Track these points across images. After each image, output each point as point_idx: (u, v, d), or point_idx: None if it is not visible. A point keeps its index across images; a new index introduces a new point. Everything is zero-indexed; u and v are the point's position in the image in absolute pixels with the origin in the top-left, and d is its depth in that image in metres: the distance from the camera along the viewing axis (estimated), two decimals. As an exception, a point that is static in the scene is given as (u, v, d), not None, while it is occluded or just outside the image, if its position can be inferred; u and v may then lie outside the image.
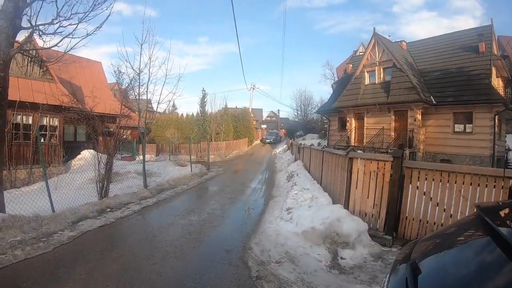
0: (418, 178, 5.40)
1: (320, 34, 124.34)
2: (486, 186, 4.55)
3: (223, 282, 4.20)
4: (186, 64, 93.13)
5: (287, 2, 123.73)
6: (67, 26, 6.73)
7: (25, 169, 14.48)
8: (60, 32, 6.72)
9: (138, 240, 5.87)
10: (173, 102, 57.76)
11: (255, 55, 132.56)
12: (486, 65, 18.33)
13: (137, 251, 5.25)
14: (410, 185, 5.52)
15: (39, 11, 6.41)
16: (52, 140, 16.76)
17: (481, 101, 17.06)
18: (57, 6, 6.52)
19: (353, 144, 20.92)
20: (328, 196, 7.96)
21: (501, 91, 19.14)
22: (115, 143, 9.90)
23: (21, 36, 6.76)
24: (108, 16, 7.34)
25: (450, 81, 19.16)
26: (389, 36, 24.46)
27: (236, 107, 52.15)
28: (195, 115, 37.12)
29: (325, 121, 37.15)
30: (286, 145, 35.23)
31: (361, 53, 27.78)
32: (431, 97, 19.01)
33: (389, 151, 16.30)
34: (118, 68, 12.09)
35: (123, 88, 14.04)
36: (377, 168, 5.88)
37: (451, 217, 4.93)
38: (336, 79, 36.10)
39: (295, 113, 66.62)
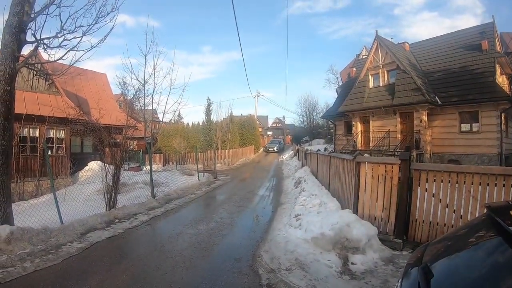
0: (427, 180, 5.35)
1: (323, 40, 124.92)
2: (496, 185, 4.49)
3: (233, 290, 4.17)
4: (191, 73, 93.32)
5: (289, 10, 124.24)
6: (71, 39, 6.83)
7: (33, 182, 14.60)
8: (65, 45, 6.82)
9: (147, 250, 5.86)
10: (179, 112, 58.05)
11: (259, 63, 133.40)
12: (490, 62, 18.20)
13: (146, 261, 5.24)
14: (419, 187, 5.46)
15: (43, 25, 6.53)
16: (59, 152, 16.91)
17: (486, 99, 16.91)
18: (61, 20, 6.63)
19: (359, 148, 20.82)
20: (336, 201, 7.91)
21: (506, 88, 18.94)
22: (122, 154, 9.94)
23: (26, 50, 6.85)
24: (112, 28, 7.45)
25: (454, 80, 19.03)
26: (391, 38, 24.45)
27: (241, 114, 52.39)
28: (200, 124, 37.29)
29: (330, 126, 37.04)
30: (292, 152, 35.18)
31: (364, 57, 27.76)
32: (436, 97, 18.88)
33: (396, 153, 16.20)
34: (123, 80, 12.29)
35: (128, 99, 14.16)
36: (385, 171, 5.83)
37: (461, 218, 4.87)
38: (340, 84, 36.13)
39: (301, 119, 66.53)
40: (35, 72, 15.54)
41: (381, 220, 5.90)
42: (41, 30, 6.51)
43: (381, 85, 21.45)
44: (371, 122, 21.71)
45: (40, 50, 6.96)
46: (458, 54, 20.14)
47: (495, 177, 4.49)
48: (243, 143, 37.79)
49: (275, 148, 41.80)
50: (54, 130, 16.62)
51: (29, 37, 6.48)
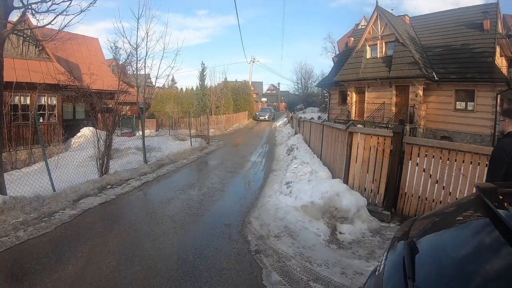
0: (418, 155, 5.38)
1: (322, 7, 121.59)
2: (486, 166, 4.51)
3: (222, 256, 4.26)
4: (184, 38, 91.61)
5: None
6: (60, 3, 6.53)
7: (25, 150, 14.46)
8: (54, 10, 6.51)
9: (138, 216, 5.92)
10: (172, 76, 57.24)
11: (255, 28, 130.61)
12: (491, 43, 17.98)
13: (137, 227, 5.30)
14: (410, 162, 5.50)
15: (30, -11, 6.22)
16: (51, 119, 16.67)
17: (484, 80, 16.85)
18: (48, -17, 6.32)
19: (353, 118, 20.85)
20: (327, 170, 7.97)
21: (504, 70, 18.81)
22: (114, 119, 9.84)
23: (14, 16, 6.58)
24: (102, -11, 7.13)
25: (453, 57, 18.85)
26: (392, 10, 23.99)
27: (236, 80, 51.75)
28: (194, 89, 36.77)
29: (325, 94, 36.89)
30: (286, 119, 35.14)
31: (363, 27, 27.23)
32: (433, 73, 18.76)
33: (390, 126, 16.25)
34: (114, 44, 11.89)
35: (120, 63, 13.85)
36: (377, 143, 5.84)
37: (450, 195, 4.94)
38: (337, 53, 35.52)
39: (296, 87, 66.14)
40: (24, 39, 15.05)
41: (371, 192, 5.97)
42: (29, -6, 6.23)
43: (378, 56, 21.21)
44: (366, 93, 21.64)
45: (29, 15, 6.69)
46: (459, 32, 19.81)
47: (486, 157, 4.51)
48: (237, 109, 37.61)
49: (266, 117, 39.41)
50: (45, 97, 16.28)
51: (16, 3, 6.19)
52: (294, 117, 24.68)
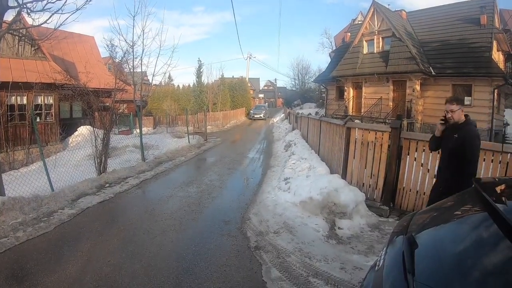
0: (416, 150, 5.40)
1: (318, 2, 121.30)
2: (484, 161, 4.54)
3: (222, 253, 4.27)
4: (181, 34, 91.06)
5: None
6: (55, 1, 6.47)
7: (23, 150, 14.42)
8: (49, 9, 6.44)
9: (137, 214, 5.92)
10: (169, 74, 56.87)
11: (251, 24, 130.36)
12: (487, 38, 18.06)
13: (137, 225, 5.30)
14: (408, 156, 5.53)
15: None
16: (48, 118, 16.63)
17: (481, 74, 16.92)
18: (43, -19, 6.27)
19: (351, 114, 20.88)
20: (325, 165, 7.99)
21: (501, 65, 18.92)
22: (111, 117, 9.82)
23: (9, 16, 6.53)
24: (97, -13, 7.08)
25: (450, 52, 18.91)
26: (388, 5, 23.94)
27: (233, 76, 51.72)
28: (191, 86, 36.70)
29: (322, 90, 36.89)
30: (283, 115, 35.12)
31: (359, 22, 27.21)
32: (430, 68, 18.81)
33: (387, 121, 16.28)
34: (111, 42, 11.84)
35: (117, 61, 13.79)
36: (375, 138, 5.86)
37: (448, 189, 4.96)
38: (334, 48, 35.53)
39: (293, 82, 66.18)
40: (20, 38, 14.96)
41: (369, 187, 6.01)
42: (24, -7, 6.18)
43: (375, 51, 21.24)
44: (363, 88, 21.68)
45: (24, 14, 6.64)
46: (456, 27, 19.88)
47: (484, 152, 4.53)
48: (234, 105, 37.57)
49: (261, 115, 36.81)
50: (42, 97, 16.23)
51: (11, 2, 6.15)
52: (291, 113, 24.68)
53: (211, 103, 32.95)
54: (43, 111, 16.30)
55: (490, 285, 1.30)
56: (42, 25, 6.84)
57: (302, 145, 12.09)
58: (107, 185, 7.97)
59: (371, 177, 5.97)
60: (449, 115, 3.65)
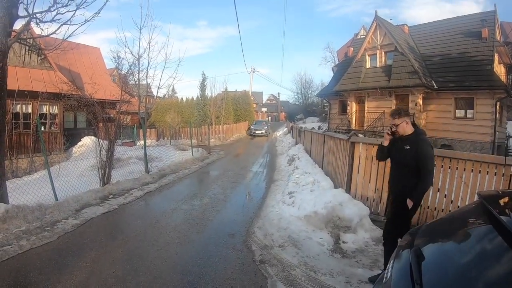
0: (420, 163, 5.41)
1: (322, 17, 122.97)
2: (487, 173, 4.56)
3: (227, 266, 4.26)
4: (186, 48, 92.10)
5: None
6: (64, 13, 6.60)
7: (26, 158, 14.51)
8: (58, 20, 6.59)
9: (141, 226, 5.92)
10: (173, 87, 57.41)
11: (255, 38, 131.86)
12: (489, 51, 18.18)
13: (141, 237, 5.31)
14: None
15: (36, -1, 6.31)
16: (52, 128, 16.78)
17: (483, 87, 17.00)
18: (54, -7, 6.41)
19: (353, 128, 20.91)
20: (329, 180, 7.99)
21: (503, 77, 19.02)
22: (116, 129, 9.89)
23: (18, 25, 6.65)
24: (106, 1, 7.22)
25: (452, 66, 19.03)
26: (390, 19, 24.26)
27: (236, 90, 52.01)
28: (195, 99, 36.93)
29: (325, 104, 37.00)
30: (286, 129, 35.18)
31: (362, 36, 27.48)
32: (433, 81, 18.91)
33: (390, 135, 16.29)
34: (117, 54, 11.95)
35: (122, 73, 13.94)
36: (379, 152, 5.88)
37: (451, 203, 4.98)
38: (337, 62, 35.80)
39: (296, 96, 66.61)
40: (27, 47, 15.18)
41: (373, 201, 6.01)
42: (34, 4, 6.25)
43: (378, 66, 21.36)
44: (366, 102, 21.74)
45: (33, 24, 6.76)
46: (458, 40, 20.05)
47: (487, 165, 4.55)
48: (237, 119, 37.73)
49: (263, 131, 33.77)
50: (47, 106, 16.43)
51: (21, 12, 6.26)
52: (294, 127, 24.75)
53: (214, 117, 33.11)
54: (47, 120, 16.46)
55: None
56: (50, 36, 6.96)
57: (305, 159, 12.10)
58: (111, 196, 7.99)
59: (375, 191, 5.98)
60: (393, 129, 3.68)
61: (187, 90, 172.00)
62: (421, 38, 22.63)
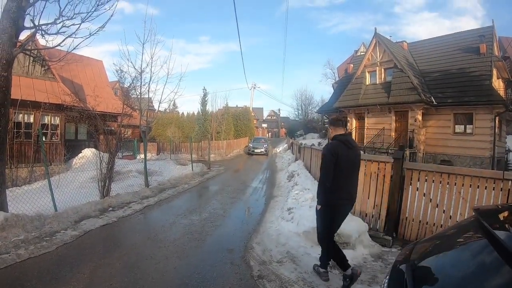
0: (418, 179, 5.45)
1: (322, 34, 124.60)
2: (486, 188, 4.59)
3: (225, 281, 4.24)
4: (188, 63, 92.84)
5: (289, 2, 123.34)
6: (70, 26, 6.75)
7: (26, 168, 14.52)
8: (63, 32, 6.73)
9: (140, 239, 5.91)
10: (174, 101, 57.73)
11: (256, 55, 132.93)
12: (487, 66, 18.41)
13: (139, 250, 5.29)
14: (410, 186, 5.57)
15: (42, 11, 6.41)
16: (53, 138, 16.84)
17: (482, 102, 17.15)
18: (59, 6, 6.54)
19: (353, 144, 20.93)
20: (329, 196, 7.98)
21: (501, 92, 19.22)
22: (117, 142, 9.93)
23: (23, 36, 6.78)
24: (111, 16, 7.36)
25: (451, 82, 19.24)
26: (390, 36, 24.61)
27: (237, 106, 52.41)
28: (196, 114, 37.13)
29: (325, 120, 37.15)
30: (286, 145, 35.23)
31: (362, 53, 27.86)
32: (432, 97, 19.09)
33: (390, 151, 16.35)
34: (120, 68, 12.07)
35: (124, 87, 14.06)
36: (378, 169, 5.93)
37: (450, 218, 4.98)
38: (337, 79, 36.15)
39: (296, 113, 66.67)
40: (31, 58, 15.37)
41: (372, 217, 6.01)
42: (40, 16, 6.41)
43: (377, 82, 21.60)
44: (366, 119, 21.90)
45: (38, 36, 6.90)
46: (456, 56, 20.33)
47: (485, 180, 4.59)
48: (237, 134, 37.85)
49: (262, 149, 30.68)
50: (49, 116, 16.53)
51: (27, 23, 6.40)
52: (294, 143, 24.81)
53: (214, 132, 33.21)
54: (49, 130, 16.53)
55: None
56: (55, 48, 7.09)
57: (305, 175, 12.10)
58: (110, 208, 7.99)
59: (374, 208, 5.99)
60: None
61: (188, 105, 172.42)
62: (420, 54, 22.94)
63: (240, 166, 21.71)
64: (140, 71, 11.41)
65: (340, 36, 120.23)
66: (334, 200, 4.01)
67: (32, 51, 10.44)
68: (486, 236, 1.66)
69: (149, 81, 11.97)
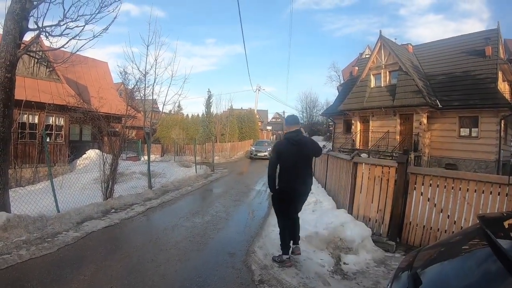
0: (423, 184, 5.40)
1: (327, 37, 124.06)
2: (491, 193, 4.53)
3: (226, 285, 4.21)
4: (192, 66, 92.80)
5: (294, 5, 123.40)
6: (73, 27, 6.78)
7: (30, 168, 14.61)
8: (67, 34, 6.77)
9: (142, 242, 5.89)
10: (179, 103, 57.96)
11: (261, 57, 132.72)
12: (493, 69, 18.29)
13: (141, 253, 5.27)
14: (415, 191, 5.51)
15: (46, 13, 6.46)
16: (57, 139, 16.93)
17: (487, 106, 17.02)
18: (63, 8, 6.57)
19: (358, 147, 20.91)
20: (332, 200, 7.96)
21: (507, 95, 19.09)
22: (121, 143, 9.94)
23: (27, 37, 6.81)
24: (115, 18, 7.37)
25: (456, 85, 19.13)
26: (395, 39, 24.54)
27: (241, 108, 52.33)
28: (200, 115, 37.12)
29: (330, 123, 37.13)
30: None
31: (367, 56, 27.78)
32: (437, 100, 18.97)
33: (394, 154, 16.26)
34: (124, 70, 12.12)
35: (129, 89, 14.12)
36: (382, 173, 5.88)
37: (454, 223, 4.92)
38: (342, 82, 36.13)
39: (300, 115, 66.60)
40: (36, 59, 15.48)
41: (375, 222, 5.96)
42: (44, 18, 6.46)
43: (382, 85, 21.50)
44: (370, 122, 21.80)
45: (42, 37, 6.94)
46: (461, 59, 20.21)
47: (491, 184, 4.53)
48: (242, 136, 37.76)
49: (266, 153, 27.66)
50: (53, 117, 16.64)
51: (31, 25, 6.44)
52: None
53: (219, 134, 33.19)
54: (53, 131, 16.64)
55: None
56: (59, 49, 7.12)
57: (308, 178, 12.05)
58: (113, 210, 7.99)
59: (377, 212, 5.94)
60: None
61: (193, 107, 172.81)
62: (425, 57, 22.84)
63: (244, 168, 21.67)
64: (144, 73, 11.46)
65: (345, 38, 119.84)
66: (280, 189, 4.80)
67: (37, 52, 10.50)
68: (489, 245, 1.62)
69: (153, 83, 12.02)
